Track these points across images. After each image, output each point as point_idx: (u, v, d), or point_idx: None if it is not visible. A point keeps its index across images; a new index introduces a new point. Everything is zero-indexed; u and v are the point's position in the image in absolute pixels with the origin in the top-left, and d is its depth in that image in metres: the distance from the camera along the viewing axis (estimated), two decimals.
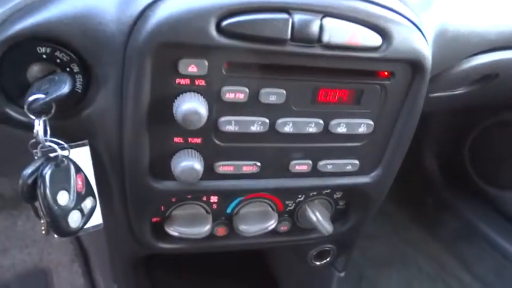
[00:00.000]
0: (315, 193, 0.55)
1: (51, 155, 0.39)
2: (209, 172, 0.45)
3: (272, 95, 0.41)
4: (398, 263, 1.26)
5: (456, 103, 0.77)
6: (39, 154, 0.38)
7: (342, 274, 0.67)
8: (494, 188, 1.19)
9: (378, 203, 0.57)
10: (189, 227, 0.50)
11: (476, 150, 1.23)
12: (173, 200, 0.50)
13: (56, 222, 0.38)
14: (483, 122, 1.19)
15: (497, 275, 1.17)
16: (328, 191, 0.55)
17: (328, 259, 0.64)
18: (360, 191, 0.53)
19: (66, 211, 0.38)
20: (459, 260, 1.25)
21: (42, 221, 0.43)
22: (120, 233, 0.50)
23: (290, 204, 0.55)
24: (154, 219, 0.51)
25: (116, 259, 0.56)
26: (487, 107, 1.01)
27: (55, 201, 0.37)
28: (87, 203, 0.41)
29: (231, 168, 0.46)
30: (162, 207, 0.50)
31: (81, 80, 0.38)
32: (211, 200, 0.51)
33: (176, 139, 0.42)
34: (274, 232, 0.56)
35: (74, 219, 0.39)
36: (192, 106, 0.37)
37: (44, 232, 0.43)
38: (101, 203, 0.45)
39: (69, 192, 0.39)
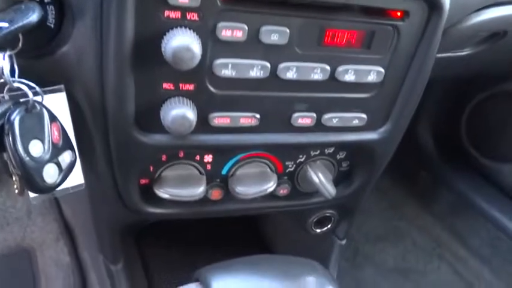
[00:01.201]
0: (317, 153, 0.50)
1: (21, 100, 0.34)
2: (203, 125, 0.41)
3: (274, 34, 0.37)
4: (393, 238, 1.24)
5: (461, 67, 0.74)
6: (6, 97, 0.33)
7: (343, 242, 0.64)
8: (491, 160, 1.17)
9: (383, 163, 0.53)
10: (181, 188, 0.45)
11: (473, 122, 1.20)
12: (163, 158, 0.45)
13: (29, 175, 0.33)
14: (480, 94, 1.16)
15: (492, 248, 1.16)
16: (331, 151, 0.51)
17: (329, 226, 0.60)
18: (366, 149, 0.49)
19: (40, 163, 0.33)
20: (454, 234, 1.24)
21: (14, 178, 0.38)
22: (106, 196, 0.45)
23: (290, 166, 0.50)
24: (143, 181, 0.46)
25: (102, 228, 0.51)
26: (490, 75, 0.98)
27: (26, 151, 0.32)
28: (65, 157, 0.36)
29: (228, 120, 0.41)
30: (151, 167, 0.45)
31: (53, 11, 0.33)
32: (205, 160, 0.47)
33: (166, 85, 0.37)
34: (272, 196, 0.52)
35: (50, 174, 0.34)
36: (183, 41, 0.33)
37: (17, 191, 0.38)
38: (82, 162, 0.41)
39: (43, 142, 0.34)
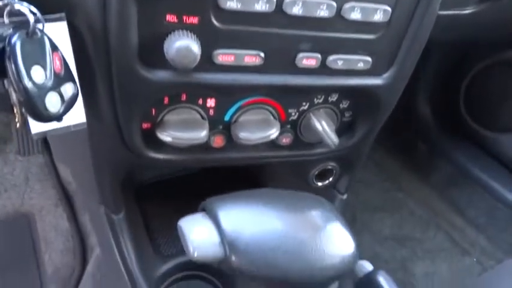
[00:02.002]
0: (320, 101, 0.50)
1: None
2: (207, 62, 0.40)
3: None
4: (391, 208, 1.25)
5: (463, 28, 0.73)
6: (6, 21, 0.32)
7: (344, 197, 0.64)
8: (489, 131, 1.17)
9: (386, 113, 0.53)
10: (184, 132, 0.45)
11: (471, 93, 1.20)
12: (165, 101, 0.44)
13: (32, 101, 0.32)
14: (479, 64, 1.16)
15: (489, 217, 1.18)
16: (334, 99, 0.50)
17: (330, 179, 0.60)
18: (369, 96, 0.49)
19: (42, 90, 0.33)
20: (451, 205, 1.25)
21: (15, 110, 0.37)
22: (108, 138, 0.45)
23: (293, 114, 0.50)
24: (145, 125, 0.45)
25: (104, 176, 0.51)
26: (492, 40, 0.97)
27: (29, 75, 0.32)
28: (67, 89, 0.35)
29: (232, 58, 0.40)
30: (153, 110, 0.44)
31: None
32: (208, 105, 0.46)
33: (169, 17, 0.37)
34: (275, 145, 0.52)
35: (52, 102, 0.34)
36: None
37: (18, 124, 0.38)
38: (84, 100, 0.40)
39: (44, 68, 0.33)
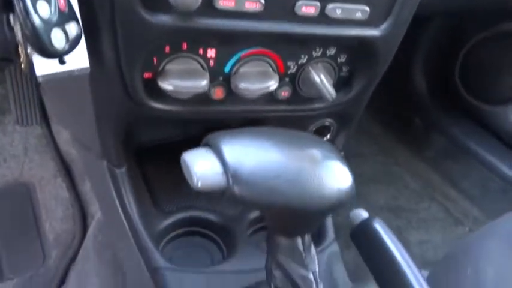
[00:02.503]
0: (318, 54, 0.51)
1: None
2: (208, 7, 0.41)
3: None
4: (386, 180, 1.27)
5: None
6: None
7: (341, 153, 0.65)
8: (484, 103, 1.19)
9: (383, 67, 0.54)
10: (185, 81, 0.46)
11: (467, 66, 1.21)
12: (166, 50, 0.45)
13: (38, 35, 0.33)
14: (475, 36, 1.17)
15: (482, 188, 1.20)
16: (332, 53, 0.51)
17: (328, 136, 0.62)
18: (366, 47, 0.50)
19: (48, 25, 0.34)
20: (446, 177, 1.27)
21: (20, 50, 0.38)
22: (110, 86, 0.46)
23: (292, 67, 0.51)
24: (147, 75, 0.46)
25: (106, 127, 0.52)
26: (489, 10, 0.98)
27: (35, 9, 0.32)
28: (72, 28, 0.36)
29: (233, 2, 0.41)
30: (155, 59, 0.45)
31: None
32: (209, 55, 0.47)
33: None
34: (274, 99, 0.53)
35: (58, 38, 0.34)
36: None
37: (23, 66, 0.39)
38: (88, 46, 0.41)
39: (49, 4, 0.34)
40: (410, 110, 1.36)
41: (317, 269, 0.37)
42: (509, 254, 0.56)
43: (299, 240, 0.37)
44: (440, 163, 1.28)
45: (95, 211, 0.93)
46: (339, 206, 0.35)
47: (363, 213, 0.50)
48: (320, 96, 0.52)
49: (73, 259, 0.87)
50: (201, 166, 0.33)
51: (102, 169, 0.57)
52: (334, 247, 0.59)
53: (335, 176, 0.35)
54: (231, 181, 0.33)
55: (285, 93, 0.53)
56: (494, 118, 1.17)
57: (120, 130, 0.52)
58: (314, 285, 0.37)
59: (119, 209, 0.57)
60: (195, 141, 0.70)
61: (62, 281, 0.85)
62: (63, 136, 1.05)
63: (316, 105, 0.55)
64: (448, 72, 1.23)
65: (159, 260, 0.52)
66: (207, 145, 0.35)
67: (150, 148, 0.68)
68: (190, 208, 0.63)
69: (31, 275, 0.86)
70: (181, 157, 0.35)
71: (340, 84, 0.55)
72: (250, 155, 0.34)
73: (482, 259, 0.56)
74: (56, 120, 0.85)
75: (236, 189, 0.33)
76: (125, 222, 0.56)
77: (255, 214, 0.63)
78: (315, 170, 0.34)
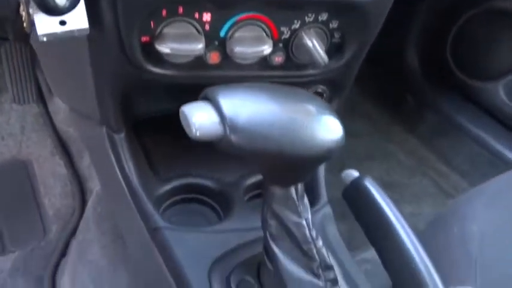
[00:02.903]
0: (311, 20, 0.52)
1: None
2: None
3: None
4: (379, 157, 1.30)
5: None
6: None
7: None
8: (475, 79, 1.21)
9: (373, 33, 0.55)
10: (181, 44, 0.47)
11: (459, 43, 1.23)
12: (163, 13, 0.46)
13: None
14: (465, 14, 1.18)
15: (472, 163, 1.23)
16: (324, 18, 0.53)
17: None
18: (358, 12, 0.51)
19: None
20: (437, 154, 1.30)
21: (21, 8, 0.39)
22: (108, 50, 0.47)
23: (285, 32, 0.52)
24: (144, 39, 0.48)
25: (104, 92, 0.53)
26: None
27: None
28: None
29: None
30: (152, 22, 0.47)
31: None
32: (204, 19, 0.48)
33: None
34: (268, 65, 0.55)
35: None
36: None
37: (25, 25, 0.40)
38: (87, 9, 0.42)
39: None
40: (403, 88, 1.38)
41: (310, 217, 0.39)
42: (493, 212, 0.59)
43: (293, 190, 0.39)
44: (432, 140, 1.30)
45: (94, 186, 0.95)
46: (330, 154, 0.37)
47: (354, 173, 0.52)
48: (313, 62, 0.54)
49: (73, 233, 0.89)
50: (199, 117, 0.35)
51: (101, 136, 0.58)
52: (327, 209, 0.61)
53: (327, 127, 0.37)
54: (227, 130, 0.34)
55: (278, 59, 0.54)
56: (485, 94, 1.19)
57: (118, 94, 0.53)
58: (307, 231, 0.39)
59: (118, 174, 0.59)
60: None
61: (63, 253, 0.87)
62: (60, 115, 1.06)
63: (309, 72, 0.57)
64: (440, 50, 1.25)
65: (159, 221, 0.54)
66: (205, 98, 0.37)
67: (146, 120, 0.69)
68: (187, 175, 0.64)
69: (32, 247, 0.88)
70: (180, 109, 0.36)
71: (332, 51, 0.56)
72: (246, 106, 0.35)
73: (468, 219, 0.59)
74: (54, 92, 0.86)
75: (233, 138, 0.34)
76: (124, 186, 0.58)
77: (251, 180, 0.65)
78: (308, 120, 0.36)
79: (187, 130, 0.36)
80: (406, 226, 0.47)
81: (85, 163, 1.01)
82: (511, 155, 1.11)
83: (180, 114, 0.36)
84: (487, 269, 0.53)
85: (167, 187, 0.62)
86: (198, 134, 0.35)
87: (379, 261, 0.54)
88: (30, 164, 1.03)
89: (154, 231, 0.54)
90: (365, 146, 1.34)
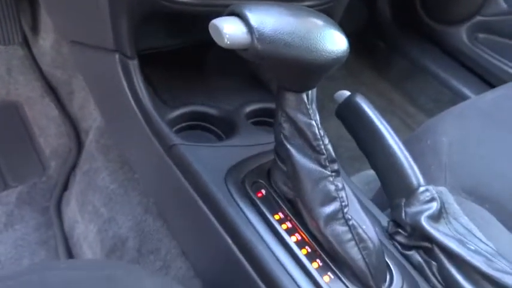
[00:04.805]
0: None
1: None
2: None
3: None
4: None
5: None
6: None
7: None
8: (441, 24, 1.31)
9: None
10: None
11: None
12: None
13: None
14: None
15: (435, 102, 1.35)
16: None
17: None
18: None
19: None
20: (406, 96, 1.41)
21: None
22: None
23: None
24: None
25: (120, 16, 0.56)
26: None
27: None
28: None
29: None
30: None
31: None
32: None
33: None
34: None
35: None
36: None
37: None
38: None
39: None
40: (376, 36, 1.46)
41: (318, 118, 0.47)
42: (459, 127, 0.69)
43: (304, 95, 0.46)
44: (401, 82, 1.41)
45: (87, 126, 0.98)
46: (338, 61, 0.44)
47: (346, 92, 0.60)
48: None
49: (73, 167, 0.94)
50: (229, 28, 0.41)
51: (113, 63, 0.62)
52: None
53: (337, 39, 0.44)
54: (255, 39, 0.40)
55: None
56: (450, 38, 1.29)
57: (133, 19, 0.57)
58: (316, 130, 0.46)
59: (131, 99, 0.63)
60: (188, 51, 0.77)
61: (65, 187, 0.91)
62: (46, 58, 1.07)
63: (307, 3, 0.63)
64: (411, 0, 1.33)
65: (175, 139, 0.60)
66: (231, 14, 0.42)
67: (147, 55, 0.73)
68: (192, 103, 0.70)
69: (34, 182, 0.91)
70: (210, 23, 0.41)
71: None
72: (269, 19, 0.41)
73: (438, 133, 0.69)
74: (55, 25, 0.86)
75: (259, 46, 0.40)
76: (137, 110, 0.63)
77: (250, 108, 0.71)
78: (321, 32, 0.42)
79: (218, 40, 0.41)
80: (392, 134, 0.56)
81: (75, 105, 1.03)
82: (469, 92, 1.23)
83: (210, 27, 0.42)
84: (455, 172, 0.64)
85: (174, 113, 0.68)
86: (228, 43, 0.40)
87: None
88: (20, 106, 1.04)
89: (170, 149, 0.60)
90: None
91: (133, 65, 0.61)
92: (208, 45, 0.75)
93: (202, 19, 0.68)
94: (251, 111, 0.71)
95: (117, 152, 0.80)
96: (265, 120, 0.72)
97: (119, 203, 0.74)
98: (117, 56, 0.61)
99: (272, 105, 0.73)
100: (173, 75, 0.74)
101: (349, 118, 0.60)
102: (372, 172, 0.66)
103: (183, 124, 0.70)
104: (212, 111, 0.70)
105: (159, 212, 0.71)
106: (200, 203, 0.55)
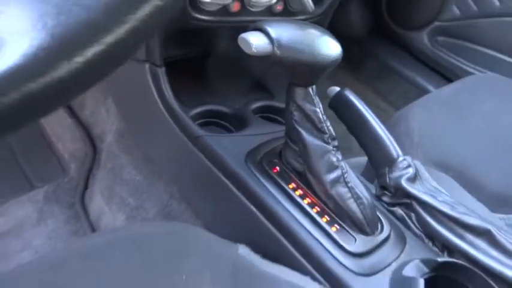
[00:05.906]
0: None
1: None
2: None
3: None
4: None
5: None
6: None
7: None
8: (405, 30, 1.49)
9: None
10: None
11: (391, 1, 1.50)
12: None
13: None
14: None
15: (404, 99, 1.53)
16: None
17: None
18: None
19: None
20: (377, 93, 1.58)
21: None
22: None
23: None
24: None
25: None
26: None
27: None
28: None
29: None
30: None
31: None
32: None
33: None
34: (272, 13, 0.74)
35: None
36: None
37: None
38: None
39: None
40: (349, 41, 1.63)
41: (321, 106, 0.61)
42: (425, 114, 0.85)
43: (310, 89, 0.60)
44: (373, 82, 1.59)
45: (100, 132, 1.09)
46: (335, 62, 0.58)
47: (336, 88, 0.75)
48: (303, 10, 0.75)
49: (90, 169, 1.04)
50: (255, 40, 0.54)
51: (143, 72, 0.75)
52: None
53: (333, 46, 0.58)
54: (275, 48, 0.54)
55: (279, 7, 0.74)
56: (413, 41, 1.48)
57: (163, 34, 0.70)
58: (320, 115, 0.60)
59: (158, 101, 0.76)
60: (199, 59, 0.90)
61: (86, 185, 1.02)
62: None
63: (300, 17, 0.77)
64: (377, 6, 1.51)
65: (199, 131, 0.73)
66: (255, 29, 0.56)
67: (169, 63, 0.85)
68: (206, 103, 0.83)
69: (58, 182, 1.01)
70: (240, 36, 0.55)
71: (315, 1, 0.77)
72: (285, 32, 0.55)
73: (409, 119, 0.85)
74: None
75: (278, 52, 0.54)
76: (163, 110, 0.75)
77: (256, 105, 0.85)
78: (323, 41, 0.57)
79: (246, 49, 0.55)
80: (375, 118, 0.71)
81: (87, 113, 1.14)
82: (432, 87, 1.42)
83: (239, 40, 0.55)
84: (424, 148, 0.79)
85: (193, 112, 0.81)
86: (255, 51, 0.54)
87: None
88: None
89: (196, 140, 0.73)
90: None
91: (162, 72, 0.74)
92: (216, 54, 0.89)
93: (215, 34, 0.82)
94: (256, 107, 0.85)
95: (138, 149, 0.92)
96: (268, 115, 0.86)
97: (146, 192, 0.85)
98: (147, 65, 0.74)
99: (273, 103, 0.88)
100: (189, 80, 0.87)
101: (340, 108, 0.74)
102: (357, 159, 0.81)
103: (200, 121, 0.83)
104: (224, 109, 0.84)
105: (183, 198, 0.83)
106: (226, 181, 0.68)
